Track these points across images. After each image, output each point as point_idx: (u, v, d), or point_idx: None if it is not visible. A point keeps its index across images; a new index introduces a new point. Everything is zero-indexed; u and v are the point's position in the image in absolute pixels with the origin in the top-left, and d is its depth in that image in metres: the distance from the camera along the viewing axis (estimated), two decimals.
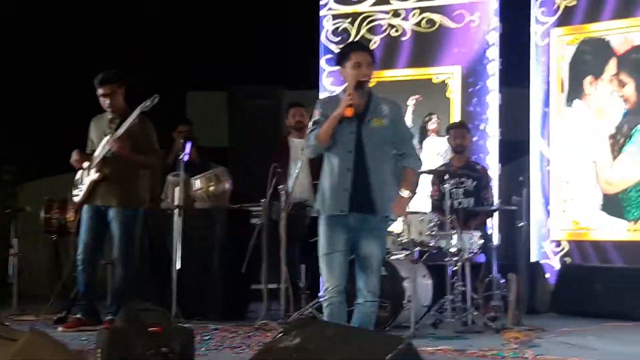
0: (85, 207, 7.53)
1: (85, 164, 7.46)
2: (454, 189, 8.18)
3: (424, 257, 7.92)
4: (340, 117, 5.47)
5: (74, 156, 7.48)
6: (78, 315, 7.42)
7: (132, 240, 7.59)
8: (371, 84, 9.03)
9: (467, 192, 8.44)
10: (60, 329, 7.30)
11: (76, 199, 7.60)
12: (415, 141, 9.51)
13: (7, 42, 10.04)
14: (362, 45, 6.00)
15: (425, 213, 8.22)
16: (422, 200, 8.87)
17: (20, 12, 10.41)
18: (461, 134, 8.61)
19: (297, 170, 8.13)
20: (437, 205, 8.72)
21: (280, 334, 4.26)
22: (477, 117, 9.32)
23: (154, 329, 4.73)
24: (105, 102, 7.46)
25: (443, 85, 9.49)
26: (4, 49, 8.95)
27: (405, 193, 5.68)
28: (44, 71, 10.63)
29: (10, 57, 8.54)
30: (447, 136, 8.73)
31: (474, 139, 9.05)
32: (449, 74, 9.47)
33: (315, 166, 8.49)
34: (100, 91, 7.45)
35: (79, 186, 7.58)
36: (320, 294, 8.19)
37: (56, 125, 10.28)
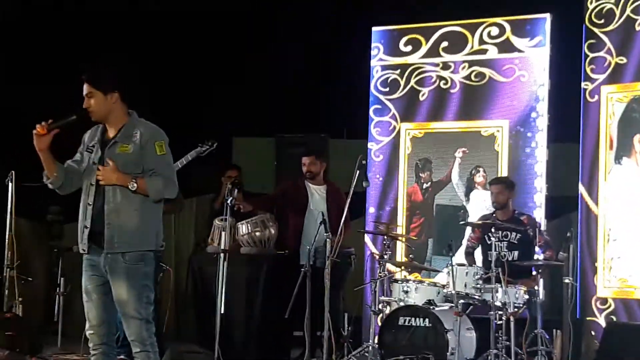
0: None
1: None
2: (497, 242, 8.10)
3: (469, 309, 7.88)
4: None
5: None
6: (122, 357, 7.44)
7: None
8: (419, 135, 9.16)
9: (510, 246, 8.38)
10: None
11: None
12: (460, 192, 9.54)
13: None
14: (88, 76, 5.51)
15: (470, 265, 8.22)
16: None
17: None
18: (499, 190, 8.58)
19: (322, 218, 8.17)
20: (470, 252, 8.73)
21: None
22: (525, 171, 9.28)
23: None
24: None
25: (492, 138, 9.48)
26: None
27: (130, 181, 5.31)
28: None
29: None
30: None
31: (521, 193, 9.03)
32: (497, 127, 9.46)
33: (332, 215, 8.54)
34: None
35: None
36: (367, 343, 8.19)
37: None
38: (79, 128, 5.65)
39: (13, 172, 8.03)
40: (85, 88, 5.45)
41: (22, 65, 10.89)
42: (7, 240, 8.05)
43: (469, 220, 9.17)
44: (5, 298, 7.97)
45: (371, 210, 9.87)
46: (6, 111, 10.38)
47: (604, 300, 8.94)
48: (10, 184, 8.02)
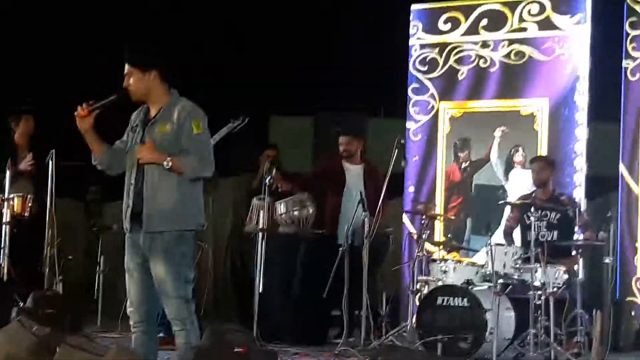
0: None
1: None
2: (537, 222, 8.03)
3: (507, 289, 7.85)
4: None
5: None
6: (161, 334, 7.46)
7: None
8: (457, 115, 9.10)
9: (550, 225, 8.33)
10: None
11: None
12: (499, 172, 9.48)
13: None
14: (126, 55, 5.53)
15: (509, 245, 8.18)
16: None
17: None
18: (540, 168, 8.55)
19: (360, 197, 8.16)
20: (509, 232, 8.68)
21: None
22: (564, 150, 9.20)
23: (240, 349, 4.76)
24: None
25: (531, 117, 9.40)
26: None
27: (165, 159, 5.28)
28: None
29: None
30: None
31: (561, 172, 8.95)
32: (537, 106, 9.38)
33: (370, 194, 8.53)
34: None
35: None
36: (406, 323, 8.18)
37: None
38: (123, 109, 5.67)
39: (53, 151, 8.07)
40: (125, 67, 5.47)
41: (61, 46, 10.96)
42: (47, 219, 8.10)
43: (508, 200, 9.10)
44: (46, 276, 8.03)
45: (410, 189, 9.82)
46: (46, 90, 10.46)
47: None
48: (50, 163, 8.07)
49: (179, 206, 5.36)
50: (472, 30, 9.75)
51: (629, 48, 9.10)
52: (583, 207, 8.83)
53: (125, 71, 5.46)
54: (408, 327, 8.02)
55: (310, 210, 8.81)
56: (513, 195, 9.15)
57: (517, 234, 8.68)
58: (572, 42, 9.27)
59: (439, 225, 9.56)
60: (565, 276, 7.80)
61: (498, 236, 8.80)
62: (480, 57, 9.70)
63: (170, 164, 5.28)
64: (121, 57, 5.50)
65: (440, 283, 7.97)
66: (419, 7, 10.02)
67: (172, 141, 5.37)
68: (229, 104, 10.52)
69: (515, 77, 9.56)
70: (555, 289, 7.65)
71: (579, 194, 9.03)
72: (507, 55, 9.56)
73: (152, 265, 5.36)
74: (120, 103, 5.47)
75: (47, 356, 4.90)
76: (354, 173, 8.94)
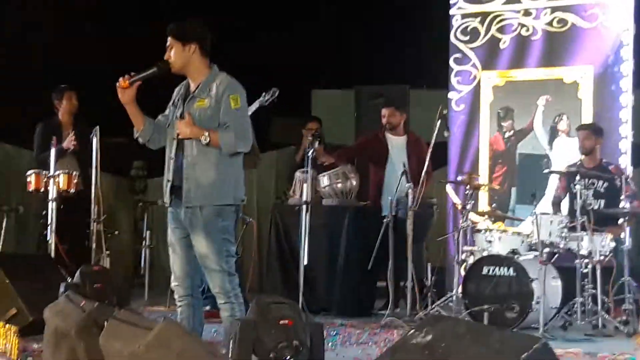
0: None
1: None
2: (583, 190, 7.96)
3: (554, 258, 7.80)
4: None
5: None
6: (207, 307, 7.51)
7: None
8: (500, 84, 9.01)
9: (597, 194, 8.28)
10: None
11: None
12: (543, 141, 9.41)
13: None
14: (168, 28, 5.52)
15: (555, 214, 8.12)
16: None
17: None
18: (586, 136, 8.48)
19: (404, 168, 8.14)
20: (557, 202, 8.62)
21: (412, 330, 4.24)
22: (609, 118, 9.10)
23: (285, 322, 4.76)
24: None
25: (574, 85, 9.30)
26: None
27: (203, 134, 5.30)
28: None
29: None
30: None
31: (606, 140, 8.85)
32: (580, 74, 9.28)
33: (413, 165, 8.51)
34: None
35: None
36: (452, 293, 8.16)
37: None
38: (167, 83, 5.69)
39: (97, 127, 8.12)
40: (168, 40, 5.49)
41: (107, 24, 11.02)
42: (93, 195, 8.16)
43: (553, 169, 9.03)
44: (93, 252, 8.10)
45: (453, 160, 9.78)
46: (90, 67, 10.51)
47: None
48: (94, 140, 8.12)
49: (218, 181, 5.37)
50: None
51: None
52: (630, 174, 8.74)
53: (167, 44, 5.48)
54: (454, 297, 8.00)
55: (354, 182, 8.82)
56: (557, 164, 9.09)
57: (564, 203, 8.63)
58: (616, 8, 9.15)
59: (483, 195, 9.52)
60: (612, 244, 7.74)
61: (543, 205, 8.74)
62: (523, 25, 9.59)
63: (207, 139, 5.30)
64: (164, 31, 5.53)
65: (485, 253, 7.94)
66: None
67: (210, 116, 5.38)
68: (270, 78, 10.57)
69: (558, 45, 9.45)
70: (602, 257, 7.60)
71: (625, 162, 8.94)
72: (550, 23, 9.45)
73: (193, 239, 5.39)
74: (164, 78, 5.49)
75: (95, 331, 4.93)
76: (397, 144, 8.93)
